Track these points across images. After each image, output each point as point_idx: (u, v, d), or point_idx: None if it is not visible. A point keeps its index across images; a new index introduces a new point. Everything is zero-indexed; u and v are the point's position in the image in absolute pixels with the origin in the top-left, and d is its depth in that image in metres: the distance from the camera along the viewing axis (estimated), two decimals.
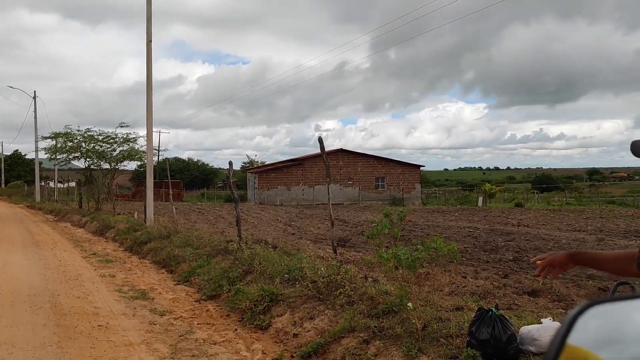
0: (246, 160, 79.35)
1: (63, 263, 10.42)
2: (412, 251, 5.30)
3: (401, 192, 46.08)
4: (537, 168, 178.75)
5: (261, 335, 5.62)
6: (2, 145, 69.22)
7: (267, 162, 64.69)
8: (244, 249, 8.37)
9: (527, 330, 3.85)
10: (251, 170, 53.27)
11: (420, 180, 49.61)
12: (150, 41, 16.39)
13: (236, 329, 5.81)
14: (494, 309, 3.93)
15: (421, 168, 50.60)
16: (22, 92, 47.60)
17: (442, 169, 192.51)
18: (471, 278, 7.70)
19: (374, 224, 6.05)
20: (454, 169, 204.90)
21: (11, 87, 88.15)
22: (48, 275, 9.03)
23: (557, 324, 3.71)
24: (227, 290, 7.10)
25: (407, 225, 18.81)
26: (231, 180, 10.29)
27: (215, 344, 5.31)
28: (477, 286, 6.69)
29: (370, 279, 5.84)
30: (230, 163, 10.27)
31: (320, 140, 7.28)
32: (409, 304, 4.62)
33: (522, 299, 6.09)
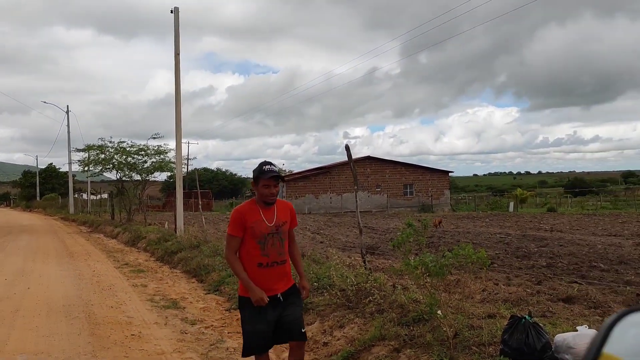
0: None
1: (96, 273, 10.64)
2: (440, 258, 5.23)
3: (430, 199, 45.72)
4: (570, 172, 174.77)
5: None
6: (37, 160, 71.34)
7: (295, 171, 64.97)
8: None
9: (562, 338, 3.74)
10: None
11: (450, 186, 49.17)
12: (178, 54, 16.71)
13: None
14: (527, 317, 3.83)
15: (450, 174, 50.20)
16: (55, 106, 48.94)
17: (471, 175, 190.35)
18: (503, 285, 7.55)
19: (399, 233, 6.00)
20: (484, 174, 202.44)
21: (45, 102, 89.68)
22: (82, 285, 9.22)
23: (593, 332, 3.60)
24: None
25: (436, 232, 18.60)
26: None
27: None
28: (510, 293, 6.55)
29: (399, 287, 5.78)
30: None
31: (347, 147, 7.27)
32: (439, 312, 4.55)
33: (557, 306, 5.93)
